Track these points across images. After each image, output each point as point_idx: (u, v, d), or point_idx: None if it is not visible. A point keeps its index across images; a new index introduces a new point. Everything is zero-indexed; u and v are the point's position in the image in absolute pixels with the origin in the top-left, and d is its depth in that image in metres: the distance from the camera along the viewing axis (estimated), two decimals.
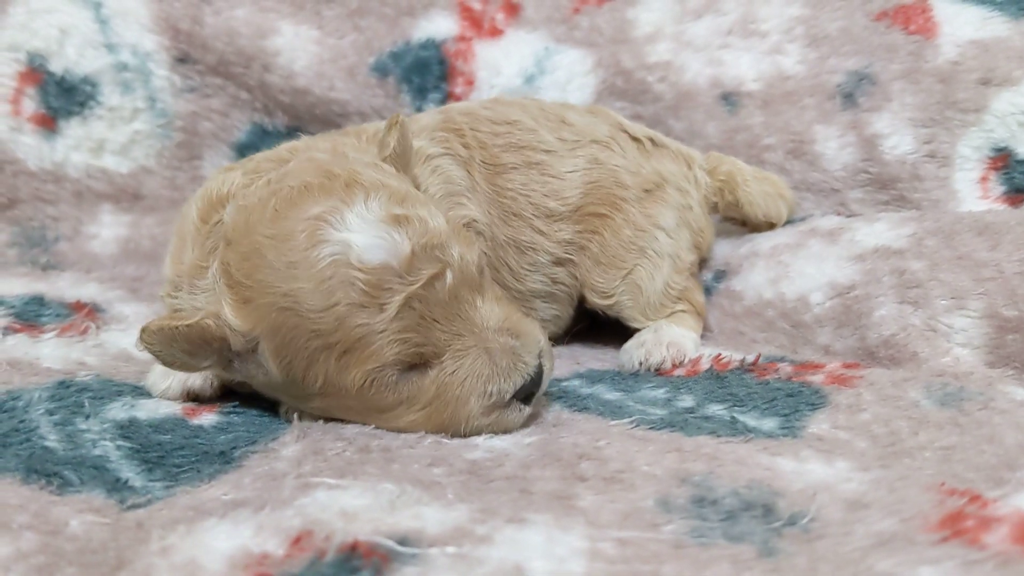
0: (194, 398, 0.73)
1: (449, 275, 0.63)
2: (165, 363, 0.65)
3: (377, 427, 0.66)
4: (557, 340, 0.93)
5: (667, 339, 0.86)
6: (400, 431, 0.65)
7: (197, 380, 0.73)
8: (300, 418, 0.67)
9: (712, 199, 1.00)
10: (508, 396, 0.65)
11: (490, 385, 0.64)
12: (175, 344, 0.63)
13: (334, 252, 0.61)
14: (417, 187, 0.75)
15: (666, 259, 0.91)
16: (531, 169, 0.88)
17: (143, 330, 0.63)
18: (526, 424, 0.66)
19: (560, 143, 0.91)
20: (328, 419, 0.68)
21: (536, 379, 0.66)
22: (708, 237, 0.99)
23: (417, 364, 0.64)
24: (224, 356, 0.66)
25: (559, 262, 0.89)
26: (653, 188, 0.92)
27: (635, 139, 0.95)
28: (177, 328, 0.63)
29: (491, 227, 0.86)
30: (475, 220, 0.83)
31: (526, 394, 0.66)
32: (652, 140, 0.97)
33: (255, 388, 0.71)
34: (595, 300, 0.90)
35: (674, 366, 0.83)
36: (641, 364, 0.84)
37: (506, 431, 0.66)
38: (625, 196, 0.90)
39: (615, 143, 0.93)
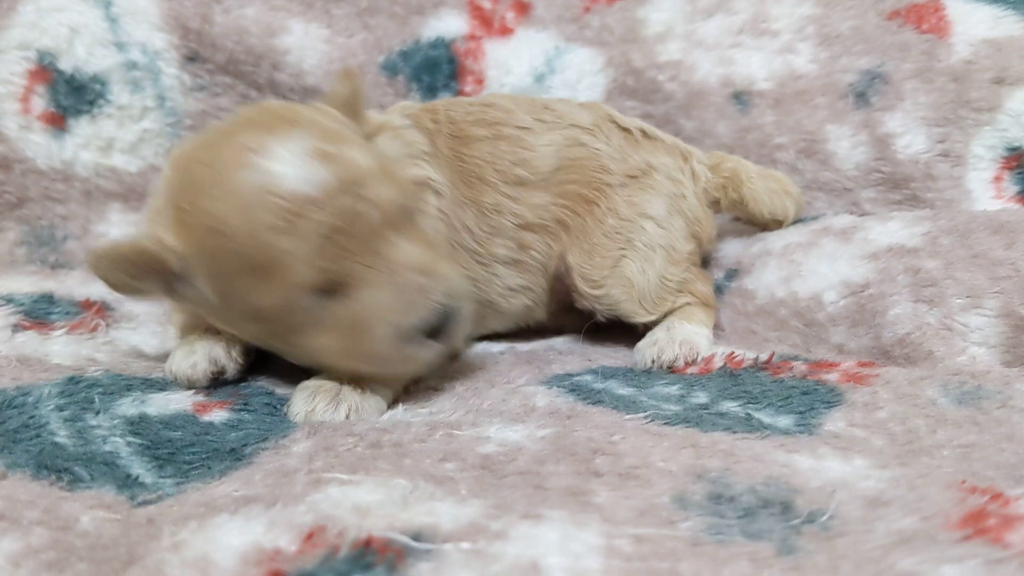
0: (220, 373, 0.75)
1: (368, 212, 0.66)
2: (113, 287, 0.70)
3: (297, 353, 0.73)
4: (570, 331, 0.92)
5: (680, 337, 0.85)
6: (317, 355, 0.71)
7: (220, 352, 0.75)
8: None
9: (714, 195, 0.99)
10: (413, 328, 0.67)
11: (395, 316, 0.67)
12: (120, 267, 0.68)
13: (258, 178, 0.64)
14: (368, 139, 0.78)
15: (658, 251, 0.90)
16: (500, 141, 0.89)
17: (90, 254, 0.68)
18: (539, 419, 0.66)
19: (537, 123, 0.91)
20: (265, 351, 0.75)
21: (443, 316, 0.69)
22: (707, 228, 0.97)
23: (329, 291, 0.67)
24: (166, 280, 0.69)
25: (529, 227, 0.89)
26: (639, 175, 0.91)
27: (624, 129, 0.94)
28: (120, 250, 0.67)
29: (451, 188, 0.87)
30: (431, 179, 0.86)
31: (432, 330, 0.69)
32: (644, 132, 0.95)
33: (207, 319, 0.74)
34: (585, 289, 0.89)
35: (687, 364, 0.83)
36: (654, 362, 0.83)
37: (417, 365, 0.71)
38: (609, 181, 0.90)
39: (599, 130, 0.92)
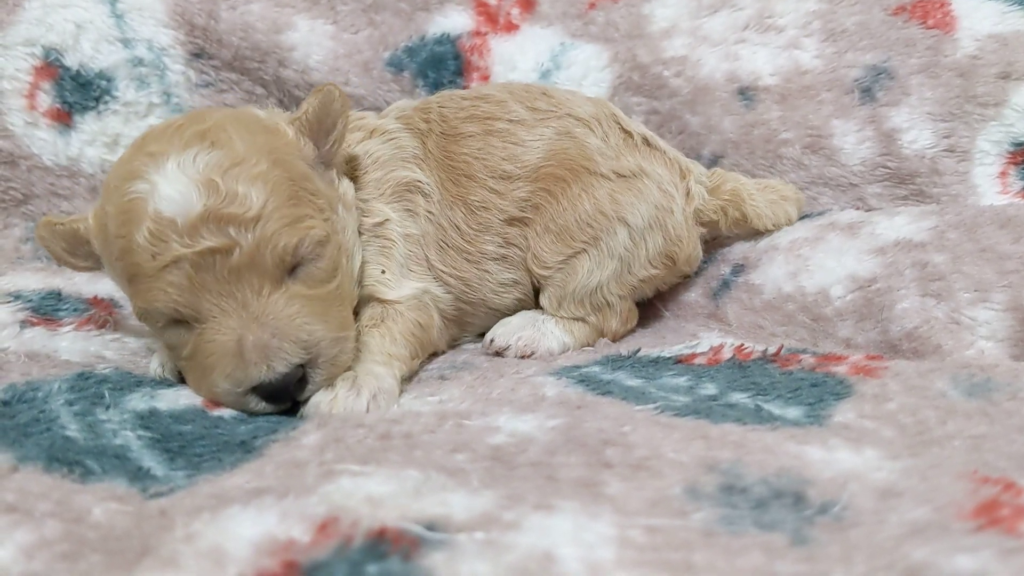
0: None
1: (236, 254, 0.65)
2: (54, 257, 0.75)
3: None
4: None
5: (527, 335, 0.88)
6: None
7: None
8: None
9: (711, 217, 0.97)
10: (243, 388, 0.66)
11: (230, 369, 0.66)
12: (56, 241, 0.74)
13: (141, 191, 0.66)
14: (329, 156, 0.78)
15: (615, 261, 0.89)
16: (491, 136, 0.89)
17: (37, 225, 0.75)
18: (549, 409, 0.65)
19: (530, 113, 0.90)
20: None
21: (279, 383, 0.67)
22: (687, 248, 0.94)
23: (181, 320, 0.67)
24: (96, 257, 0.74)
25: (512, 221, 0.89)
26: (629, 175, 0.89)
27: (626, 132, 0.93)
28: (55, 226, 0.74)
29: (440, 189, 0.88)
30: (420, 181, 0.87)
31: (267, 394, 0.67)
32: (646, 140, 0.94)
33: None
34: (534, 268, 0.89)
35: (523, 357, 0.86)
36: (492, 340, 0.87)
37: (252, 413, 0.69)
38: (590, 168, 0.88)
39: (597, 124, 0.91)
